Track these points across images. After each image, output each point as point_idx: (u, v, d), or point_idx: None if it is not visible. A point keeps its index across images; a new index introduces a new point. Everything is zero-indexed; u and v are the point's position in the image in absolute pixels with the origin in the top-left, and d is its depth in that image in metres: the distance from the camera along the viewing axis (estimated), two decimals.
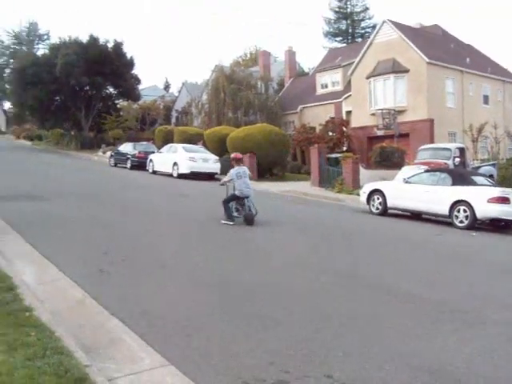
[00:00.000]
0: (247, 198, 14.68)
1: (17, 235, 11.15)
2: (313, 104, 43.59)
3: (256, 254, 10.64)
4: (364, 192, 19.58)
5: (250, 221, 14.27)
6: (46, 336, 5.18)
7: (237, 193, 14.70)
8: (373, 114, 35.29)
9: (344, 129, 36.89)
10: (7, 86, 75.77)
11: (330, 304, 7.27)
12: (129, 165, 35.15)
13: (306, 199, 23.27)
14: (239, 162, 15.53)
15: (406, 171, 20.83)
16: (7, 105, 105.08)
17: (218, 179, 29.85)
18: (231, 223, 14.11)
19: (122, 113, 56.39)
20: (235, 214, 14.62)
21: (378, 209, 18.75)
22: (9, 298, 6.40)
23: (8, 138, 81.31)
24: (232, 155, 16.31)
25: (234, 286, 7.90)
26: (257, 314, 6.61)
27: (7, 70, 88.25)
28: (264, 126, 33.40)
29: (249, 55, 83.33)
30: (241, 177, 14.72)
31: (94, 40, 54.91)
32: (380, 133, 34.46)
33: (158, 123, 58.59)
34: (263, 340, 5.73)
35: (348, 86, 39.88)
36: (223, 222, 14.22)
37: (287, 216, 17.44)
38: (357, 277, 9.00)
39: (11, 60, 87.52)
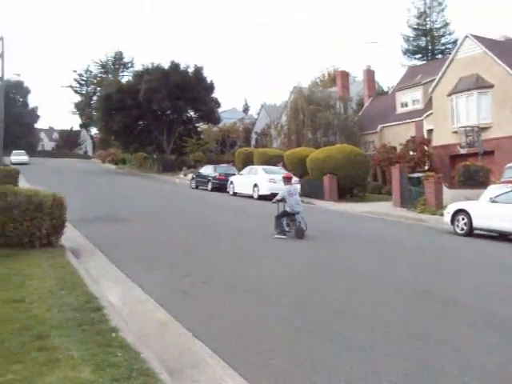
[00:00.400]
0: (297, 213, 15.65)
1: (102, 256, 11.56)
2: (393, 123, 42.94)
3: (334, 274, 10.50)
4: (448, 212, 19.05)
5: (300, 235, 15.23)
6: (131, 357, 5.27)
7: (288, 209, 15.82)
8: (455, 132, 34.39)
9: (425, 148, 36.11)
10: (94, 113, 78.83)
11: (412, 324, 7.08)
12: (209, 187, 35.66)
13: (386, 220, 22.89)
14: (289, 180, 17.01)
15: (493, 190, 20.11)
16: (94, 130, 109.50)
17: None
18: (284, 237, 15.12)
19: (202, 136, 57.42)
20: (286, 228, 15.60)
21: (462, 229, 18.18)
22: (96, 318, 6.58)
23: (94, 162, 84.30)
24: (283, 175, 18.37)
25: (317, 309, 7.81)
26: (339, 337, 6.50)
27: (94, 98, 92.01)
28: (344, 147, 33.22)
29: (327, 76, 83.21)
30: (292, 194, 15.95)
31: (175, 66, 56.37)
32: (463, 151, 33.53)
33: (237, 145, 59.29)
34: (347, 364, 5.63)
35: (429, 104, 39.09)
36: (276, 236, 15.23)
37: (368, 236, 17.17)
38: (439, 298, 8.73)
39: (98, 88, 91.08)
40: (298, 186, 16.23)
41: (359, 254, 13.29)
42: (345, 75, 55.47)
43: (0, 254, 10.62)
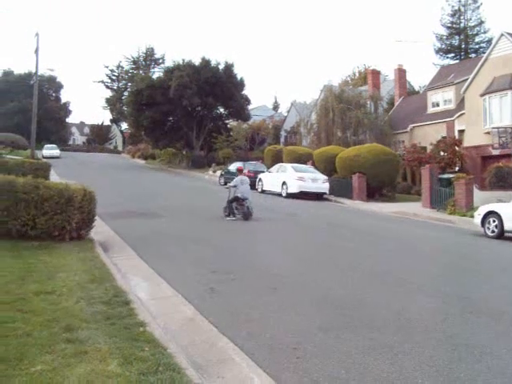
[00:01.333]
0: (246, 199, 18.33)
1: (131, 251, 11.68)
2: (424, 123, 42.47)
3: (364, 273, 10.42)
4: (479, 214, 18.80)
5: (247, 217, 18.07)
6: (158, 352, 5.33)
7: (239, 195, 18.46)
8: (487, 133, 33.85)
9: (456, 148, 35.65)
10: (125, 108, 79.46)
11: (450, 330, 7.00)
12: None
13: (415, 220, 22.67)
14: (241, 172, 20.34)
15: None
16: (124, 125, 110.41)
17: (327, 199, 29.90)
18: (234, 219, 17.97)
19: (231, 132, 57.47)
20: (236, 211, 18.30)
21: (493, 232, 17.94)
22: (124, 312, 6.65)
23: (124, 157, 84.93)
24: (237, 167, 22.44)
25: (349, 309, 7.76)
26: (369, 340, 6.45)
27: (125, 93, 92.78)
28: (374, 146, 32.99)
29: (357, 74, 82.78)
30: (243, 183, 18.97)
31: (206, 62, 56.48)
32: (495, 152, 33.00)
33: (266, 143, 59.29)
34: (375, 369, 5.59)
35: (461, 104, 38.60)
36: (227, 218, 18.03)
37: (396, 237, 17.04)
38: (469, 301, 8.61)
39: (129, 83, 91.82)
40: (247, 178, 19.73)
41: (388, 256, 13.16)
42: (376, 74, 55.05)
43: (31, 246, 10.81)
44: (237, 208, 18.33)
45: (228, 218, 17.96)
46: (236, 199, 18.40)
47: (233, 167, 38.05)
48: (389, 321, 7.25)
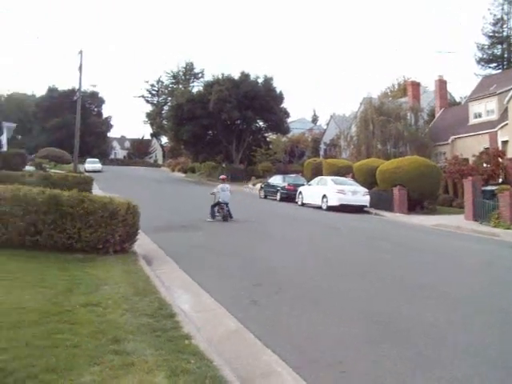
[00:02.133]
0: (226, 204, 20.93)
1: (173, 263, 11.79)
2: (465, 134, 41.88)
3: (407, 286, 10.30)
4: None
5: (226, 219, 20.61)
6: (204, 364, 5.36)
7: (220, 200, 20.96)
8: None
9: (500, 160, 35.04)
10: (165, 122, 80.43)
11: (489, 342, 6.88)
12: (278, 197, 35.78)
13: (457, 233, 22.30)
14: (224, 180, 22.60)
15: None
16: (164, 139, 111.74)
17: (368, 212, 29.68)
18: (213, 220, 20.43)
19: (271, 146, 57.62)
20: (217, 214, 20.86)
21: None
22: (169, 324, 6.72)
23: (164, 170, 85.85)
24: (220, 177, 24.47)
25: (393, 323, 7.69)
26: (416, 355, 6.37)
27: (165, 108, 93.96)
28: (415, 158, 32.64)
29: (397, 86, 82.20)
30: (224, 190, 21.28)
31: (245, 76, 56.93)
32: None
33: (306, 156, 59.32)
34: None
35: (504, 115, 37.92)
36: (208, 220, 20.37)
37: (437, 251, 16.80)
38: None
39: (169, 98, 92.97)
40: (229, 186, 22.20)
41: (431, 269, 12.98)
42: (416, 85, 54.60)
43: (77, 259, 11.01)
44: (218, 211, 20.96)
45: (208, 220, 20.44)
46: (218, 204, 21.04)
47: (273, 180, 38.20)
48: (435, 335, 7.16)
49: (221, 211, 20.85)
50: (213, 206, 20.97)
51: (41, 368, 4.95)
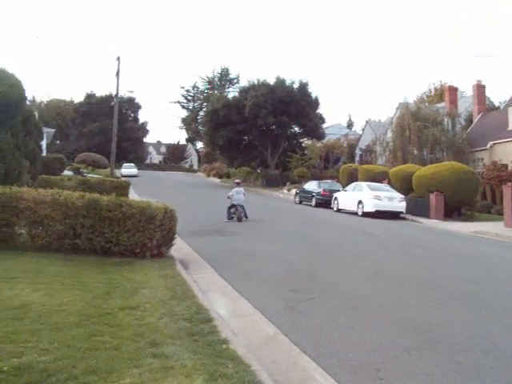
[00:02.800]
0: (241, 206, 22.69)
1: (210, 268, 11.87)
2: (505, 140, 41.11)
3: (445, 293, 10.16)
4: None
5: (240, 219, 22.26)
6: (242, 369, 5.38)
7: (234, 202, 22.84)
8: None
9: None
10: (200, 128, 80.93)
11: None
12: (313, 202, 35.68)
13: (496, 241, 21.90)
14: (238, 184, 24.63)
15: None
16: (199, 145, 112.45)
17: (404, 218, 29.41)
18: (229, 221, 22.04)
19: (306, 151, 57.52)
20: (233, 215, 22.56)
21: None
22: (207, 329, 6.75)
23: (199, 175, 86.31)
24: (235, 181, 26.84)
25: (432, 330, 7.61)
26: (455, 363, 6.28)
27: (201, 113, 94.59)
28: (452, 164, 32.24)
29: (433, 91, 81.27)
30: (238, 193, 23.16)
31: (280, 82, 56.96)
32: None
33: (341, 161, 59.07)
34: None
35: None
36: (225, 220, 22.01)
37: (476, 258, 16.56)
38: None
39: (205, 103, 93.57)
40: (243, 189, 24.06)
41: (471, 276, 12.79)
42: (453, 90, 53.88)
43: (115, 263, 11.14)
44: (234, 213, 22.58)
45: (225, 220, 22.05)
46: (233, 206, 22.76)
47: (308, 186, 38.13)
48: (474, 344, 7.07)
49: (236, 212, 22.58)
50: (229, 208, 22.87)
51: (82, 369, 5.03)
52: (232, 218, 22.34)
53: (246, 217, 22.74)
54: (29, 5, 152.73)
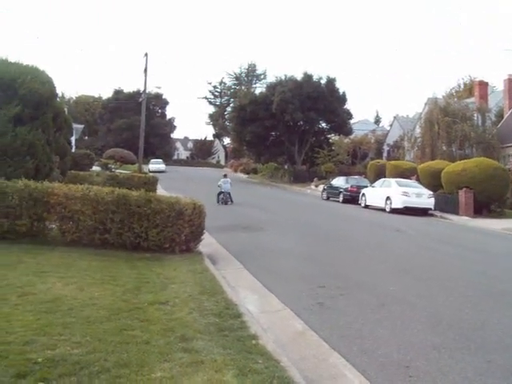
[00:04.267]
0: (228, 193, 28.63)
1: (238, 263, 11.91)
2: None
3: (478, 292, 10.03)
4: None
5: (226, 203, 28.11)
6: (271, 365, 5.39)
7: (223, 190, 28.72)
8: None
9: None
10: (227, 124, 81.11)
11: None
12: (341, 198, 35.56)
13: None
14: (226, 176, 30.63)
15: None
16: (226, 140, 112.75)
17: (432, 215, 29.14)
18: (218, 204, 27.51)
19: (333, 147, 57.29)
20: (220, 200, 28.18)
21: None
22: (236, 324, 6.78)
23: (226, 171, 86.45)
24: (223, 174, 33.77)
25: (463, 328, 7.54)
26: (487, 362, 6.21)
27: (228, 109, 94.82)
28: (482, 160, 31.79)
29: (462, 86, 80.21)
30: (225, 183, 28.91)
31: (307, 77, 56.79)
32: None
33: (369, 157, 58.69)
34: None
35: None
36: (216, 204, 27.15)
37: (509, 256, 16.37)
38: None
39: (232, 99, 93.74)
40: (229, 180, 29.96)
41: (504, 275, 12.61)
42: (483, 85, 53.07)
43: (144, 258, 11.25)
44: (222, 198, 28.31)
45: (216, 204, 27.24)
46: (221, 192, 28.68)
47: (335, 182, 37.99)
48: (507, 343, 6.99)
49: (224, 198, 28.45)
50: (218, 194, 28.76)
51: (113, 363, 5.10)
52: (220, 202, 28.09)
53: (232, 201, 28.58)
54: (58, 2, 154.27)
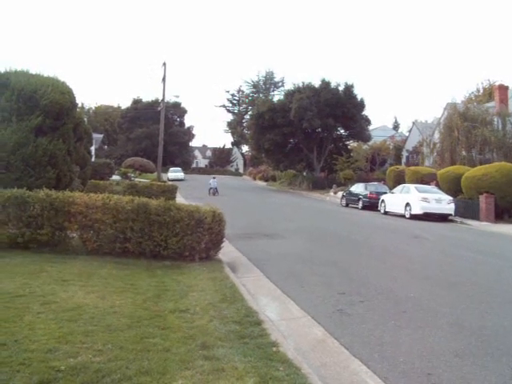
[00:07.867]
0: (215, 188, 42.54)
1: (257, 271, 11.90)
2: None
3: (500, 299, 9.94)
4: None
5: (214, 194, 41.02)
6: (292, 372, 5.38)
7: (211, 186, 42.46)
8: None
9: None
10: (246, 131, 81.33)
11: None
12: (360, 205, 35.50)
13: None
14: (214, 178, 44.09)
15: None
16: (245, 148, 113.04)
17: (452, 220, 28.93)
18: (208, 196, 37.76)
19: (352, 153, 57.17)
20: (210, 192, 41.40)
21: None
22: (256, 332, 6.78)
23: (245, 179, 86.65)
24: (212, 176, 48.09)
25: (486, 335, 7.46)
26: (507, 366, 6.18)
27: (246, 117, 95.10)
28: (502, 165, 31.46)
29: (481, 90, 79.59)
30: (214, 182, 42.75)
31: (325, 84, 56.79)
32: None
33: (387, 163, 58.44)
34: None
35: None
36: (208, 195, 39.06)
37: None
38: None
39: (250, 107, 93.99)
40: (216, 179, 43.76)
41: None
42: (503, 89, 52.53)
43: (164, 266, 11.30)
44: (211, 191, 41.62)
45: (208, 196, 37.28)
46: (211, 188, 42.22)
47: (354, 188, 37.94)
48: None
49: (211, 191, 42.27)
50: (209, 189, 42.64)
51: (135, 370, 5.13)
52: (211, 194, 40.92)
53: (218, 193, 42.03)
54: (76, 13, 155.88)
